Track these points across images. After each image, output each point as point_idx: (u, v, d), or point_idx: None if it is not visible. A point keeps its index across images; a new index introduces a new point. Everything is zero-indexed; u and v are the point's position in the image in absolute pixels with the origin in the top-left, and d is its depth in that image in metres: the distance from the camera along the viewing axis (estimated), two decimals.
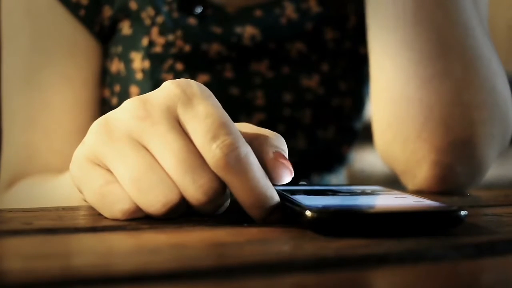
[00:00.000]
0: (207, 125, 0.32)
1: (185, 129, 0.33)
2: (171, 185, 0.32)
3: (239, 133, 0.32)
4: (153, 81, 0.58)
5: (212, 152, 0.31)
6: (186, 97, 0.33)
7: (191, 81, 0.34)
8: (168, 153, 0.32)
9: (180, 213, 0.33)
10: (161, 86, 0.34)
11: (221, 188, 0.32)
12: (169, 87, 0.34)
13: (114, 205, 0.33)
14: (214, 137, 0.31)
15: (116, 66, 0.60)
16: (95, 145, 0.34)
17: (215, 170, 0.31)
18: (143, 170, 0.32)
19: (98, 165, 0.34)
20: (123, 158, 0.33)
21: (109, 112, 0.35)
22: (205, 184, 0.31)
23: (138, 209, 0.33)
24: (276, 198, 0.33)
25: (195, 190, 0.32)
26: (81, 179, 0.35)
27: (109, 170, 0.34)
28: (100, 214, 0.35)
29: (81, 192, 0.35)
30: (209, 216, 0.34)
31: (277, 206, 0.33)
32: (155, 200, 0.32)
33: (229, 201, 0.35)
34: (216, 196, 0.32)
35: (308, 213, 0.30)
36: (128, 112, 0.34)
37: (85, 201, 0.36)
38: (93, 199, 0.34)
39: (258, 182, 0.32)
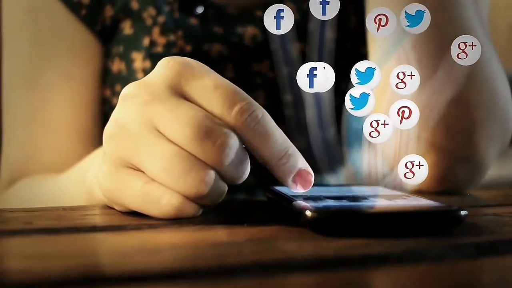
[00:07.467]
0: (221, 95, 0.33)
1: (196, 103, 0.33)
2: (201, 165, 0.32)
3: (249, 96, 0.34)
4: None
5: (233, 118, 0.33)
6: (189, 73, 0.34)
7: (187, 58, 0.35)
8: (180, 125, 0.32)
9: (220, 192, 0.33)
10: (158, 65, 0.35)
11: (239, 142, 0.33)
12: (168, 64, 0.34)
13: (161, 200, 0.33)
14: (232, 105, 0.33)
15: (117, 65, 0.60)
16: (118, 149, 0.34)
17: (239, 133, 0.33)
18: (172, 158, 0.32)
19: (131, 168, 0.34)
20: (148, 152, 0.33)
21: (112, 114, 0.35)
22: (224, 141, 0.32)
23: (185, 200, 0.33)
24: (301, 159, 0.35)
25: (215, 152, 0.32)
26: (119, 187, 0.34)
27: (141, 171, 0.34)
28: (99, 214, 0.35)
29: (119, 203, 0.35)
30: (209, 216, 0.34)
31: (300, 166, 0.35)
32: (194, 182, 0.32)
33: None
34: (234, 153, 0.32)
35: (308, 213, 0.30)
36: (132, 103, 0.34)
37: (116, 208, 0.35)
38: (137, 202, 0.33)
39: (278, 139, 0.34)
